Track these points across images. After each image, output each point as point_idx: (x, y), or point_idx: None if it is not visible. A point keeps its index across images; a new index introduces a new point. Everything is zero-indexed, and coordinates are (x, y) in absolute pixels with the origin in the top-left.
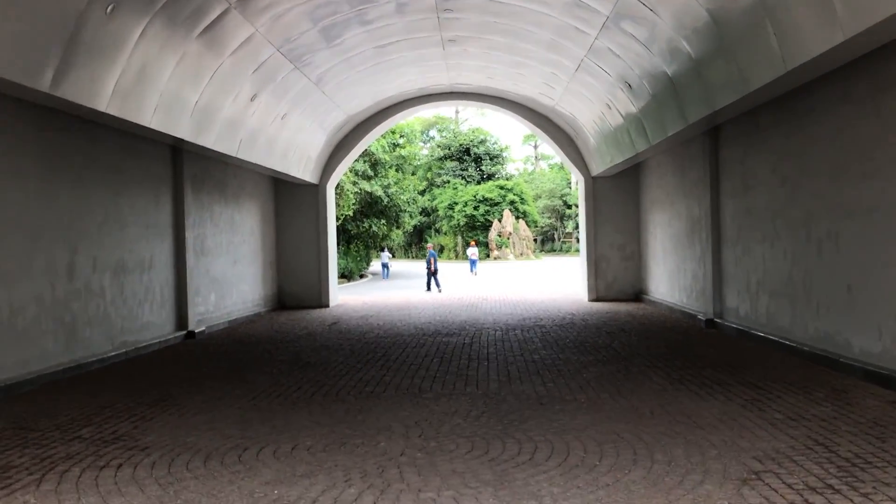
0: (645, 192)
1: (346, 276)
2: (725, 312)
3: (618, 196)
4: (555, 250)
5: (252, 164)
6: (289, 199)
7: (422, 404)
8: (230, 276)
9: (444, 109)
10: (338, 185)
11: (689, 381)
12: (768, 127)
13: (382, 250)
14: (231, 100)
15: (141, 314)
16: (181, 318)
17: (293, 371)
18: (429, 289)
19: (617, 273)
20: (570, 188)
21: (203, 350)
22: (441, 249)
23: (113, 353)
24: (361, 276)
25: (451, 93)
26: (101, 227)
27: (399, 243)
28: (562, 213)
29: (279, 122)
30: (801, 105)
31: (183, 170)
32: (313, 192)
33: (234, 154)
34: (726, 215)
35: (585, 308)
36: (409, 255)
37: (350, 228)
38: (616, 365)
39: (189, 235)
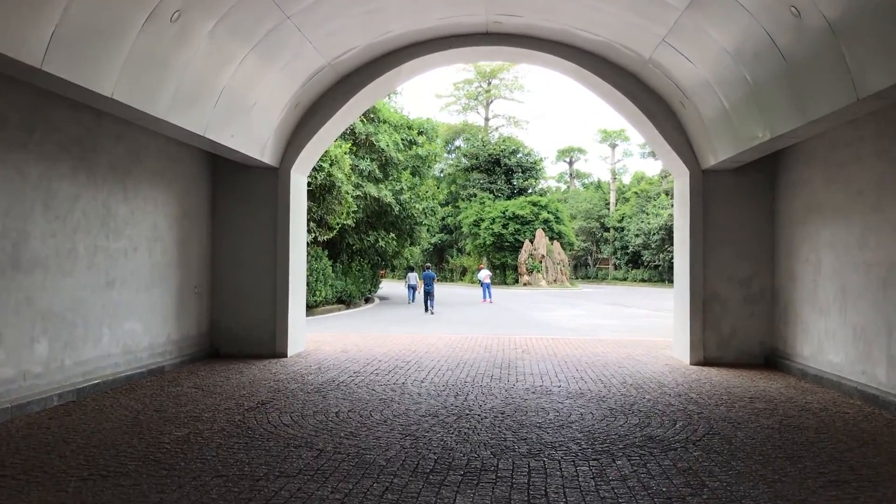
0: (792, 194)
1: (343, 301)
2: None
3: (742, 202)
4: (589, 277)
5: (96, 94)
6: (231, 189)
7: None
8: (95, 308)
9: (472, 115)
10: (333, 185)
11: None
12: None
13: (411, 270)
14: None
15: None
16: None
17: None
18: (426, 310)
19: (738, 322)
20: (609, 209)
21: None
22: (463, 272)
23: None
24: (367, 301)
25: (488, 34)
26: None
27: (416, 262)
28: (598, 236)
29: (167, 27)
30: None
31: None
32: (270, 181)
33: (35, 63)
34: None
35: (699, 381)
36: None
37: (352, 242)
38: None
39: None
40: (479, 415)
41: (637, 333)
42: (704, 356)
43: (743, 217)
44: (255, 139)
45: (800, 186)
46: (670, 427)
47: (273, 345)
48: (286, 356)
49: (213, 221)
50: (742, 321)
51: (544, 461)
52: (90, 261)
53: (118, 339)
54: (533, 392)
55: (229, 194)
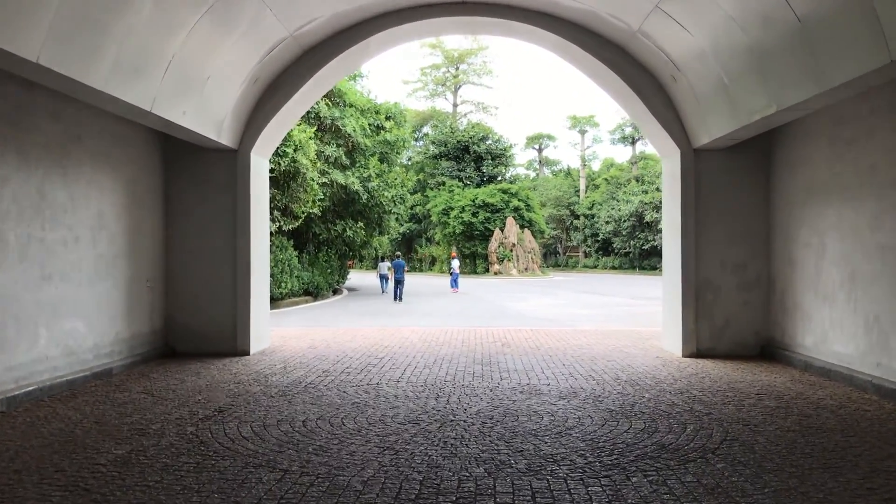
0: (790, 173)
1: (310, 292)
2: None
3: (735, 182)
4: (559, 265)
5: (18, 58)
6: (186, 173)
7: None
8: (28, 306)
9: (440, 101)
10: (298, 172)
11: None
12: None
13: (383, 259)
14: None
15: None
16: None
17: None
18: (395, 298)
19: (731, 311)
20: (578, 197)
21: None
22: (433, 261)
23: None
24: (335, 293)
25: (465, 3)
26: None
27: (385, 252)
28: (568, 223)
29: None
30: None
31: None
32: (228, 164)
33: None
34: None
35: (697, 375)
36: None
37: (318, 231)
38: None
39: None
40: (464, 421)
41: (618, 323)
42: (697, 347)
43: (736, 199)
44: (210, 117)
45: (799, 165)
46: (681, 433)
47: (234, 342)
48: (249, 354)
49: (167, 208)
50: (736, 310)
51: (548, 480)
52: (22, 252)
53: (57, 339)
54: (521, 392)
55: (184, 178)
